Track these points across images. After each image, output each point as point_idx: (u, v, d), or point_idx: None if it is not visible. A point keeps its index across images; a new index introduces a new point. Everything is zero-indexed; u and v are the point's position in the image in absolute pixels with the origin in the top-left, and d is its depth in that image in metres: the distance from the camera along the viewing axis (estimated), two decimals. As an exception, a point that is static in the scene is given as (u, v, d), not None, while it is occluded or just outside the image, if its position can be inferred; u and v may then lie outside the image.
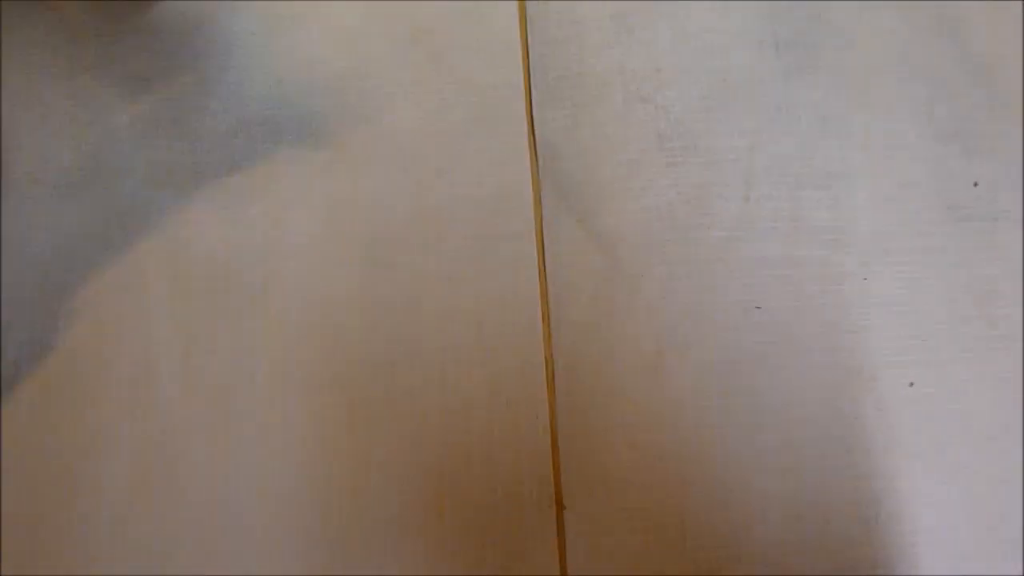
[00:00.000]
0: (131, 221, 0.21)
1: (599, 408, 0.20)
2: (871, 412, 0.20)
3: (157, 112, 0.22)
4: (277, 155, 0.22)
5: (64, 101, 0.22)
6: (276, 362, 0.20)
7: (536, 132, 0.22)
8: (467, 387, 0.20)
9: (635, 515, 0.19)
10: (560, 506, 0.19)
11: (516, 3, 0.23)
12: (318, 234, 0.21)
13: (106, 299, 0.21)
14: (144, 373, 0.20)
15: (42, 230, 0.21)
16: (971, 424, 0.20)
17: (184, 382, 0.20)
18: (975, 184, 0.22)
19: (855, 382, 0.20)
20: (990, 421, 0.20)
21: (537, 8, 0.23)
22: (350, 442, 0.20)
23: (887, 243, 0.21)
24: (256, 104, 0.21)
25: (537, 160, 0.22)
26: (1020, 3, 0.24)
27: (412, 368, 0.20)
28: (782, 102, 0.22)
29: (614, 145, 0.22)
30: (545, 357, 0.20)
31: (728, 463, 0.20)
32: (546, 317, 0.21)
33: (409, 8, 0.22)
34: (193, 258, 0.21)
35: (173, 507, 0.19)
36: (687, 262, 0.21)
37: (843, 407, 0.20)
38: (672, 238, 0.21)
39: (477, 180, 0.22)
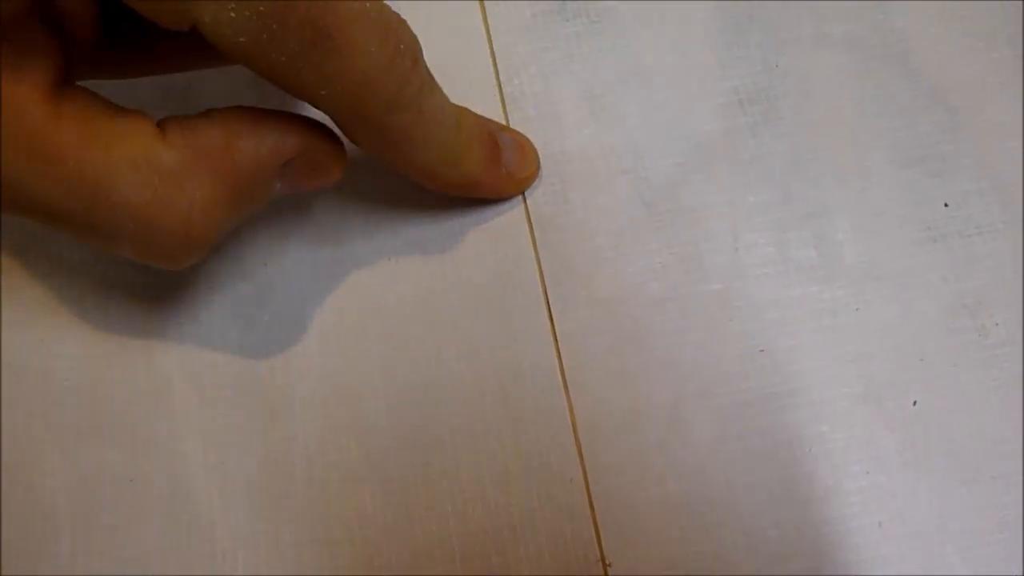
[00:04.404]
0: (152, 332, 0.23)
1: (627, 464, 0.21)
2: (883, 433, 0.21)
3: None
4: (283, 254, 0.23)
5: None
6: (312, 459, 0.21)
7: (529, 208, 0.24)
8: (501, 459, 0.21)
9: (676, 562, 0.20)
10: (605, 564, 0.20)
11: (496, 87, 0.25)
12: (332, 329, 0.23)
13: (136, 417, 0.22)
14: (181, 489, 0.21)
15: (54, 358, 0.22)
16: (980, 432, 0.21)
17: (223, 493, 0.21)
18: (945, 205, 0.24)
19: (862, 408, 0.21)
20: (997, 426, 0.21)
21: (514, 89, 0.25)
22: (394, 528, 0.21)
23: (873, 271, 0.23)
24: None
25: (534, 234, 0.23)
26: (961, 26, 0.26)
27: (444, 448, 0.21)
28: (754, 154, 0.24)
29: (603, 215, 0.23)
30: (571, 422, 0.21)
31: (754, 500, 0.21)
32: (565, 383, 0.22)
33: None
34: (216, 367, 0.22)
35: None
36: (688, 316, 0.22)
37: (855, 433, 0.21)
38: (671, 296, 0.22)
39: (479, 258, 0.23)
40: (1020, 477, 0.21)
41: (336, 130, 0.19)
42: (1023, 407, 0.21)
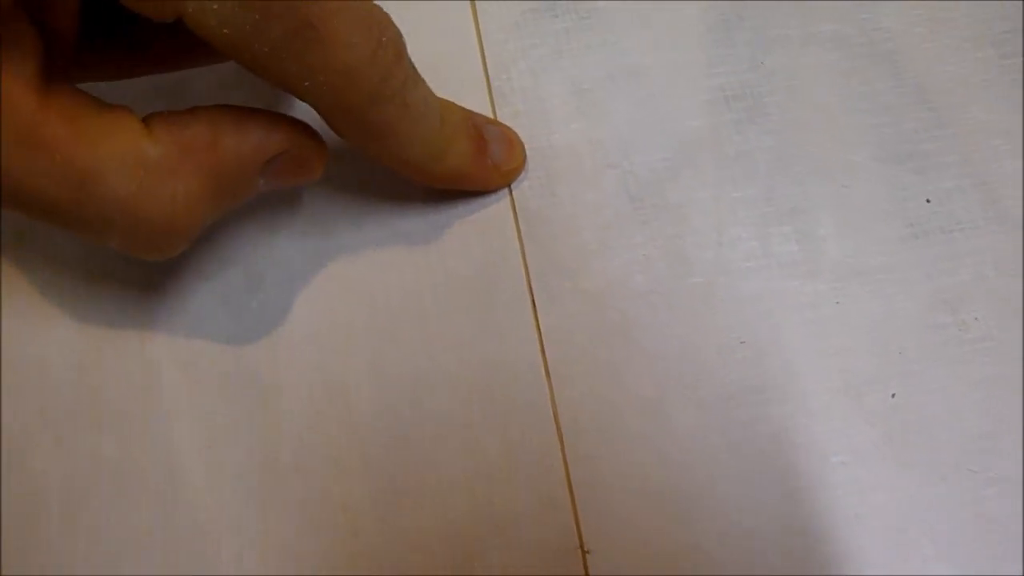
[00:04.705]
0: (143, 321, 0.23)
1: (609, 455, 0.21)
2: (862, 426, 0.22)
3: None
4: (273, 245, 0.24)
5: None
6: (298, 446, 0.22)
7: (516, 201, 0.24)
8: (484, 450, 0.22)
9: (654, 551, 0.20)
10: (584, 551, 0.20)
11: (485, 83, 0.25)
12: (319, 318, 0.23)
13: (127, 403, 0.22)
14: (170, 473, 0.22)
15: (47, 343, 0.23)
16: (958, 425, 0.22)
17: (210, 477, 0.22)
18: (927, 201, 0.24)
19: (841, 401, 0.22)
20: (975, 420, 0.22)
21: (502, 85, 0.25)
22: (377, 515, 0.21)
23: (855, 266, 0.23)
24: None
25: (520, 227, 0.24)
26: (947, 26, 0.26)
27: (429, 438, 0.22)
28: (740, 150, 0.24)
29: (590, 209, 0.23)
30: (553, 413, 0.22)
31: (734, 492, 0.21)
32: (548, 374, 0.22)
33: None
34: (206, 355, 0.23)
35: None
36: (672, 309, 0.22)
37: (834, 426, 0.21)
38: (655, 289, 0.23)
39: (465, 250, 0.23)
40: (998, 471, 0.21)
41: (321, 126, 0.19)
42: (1001, 401, 0.22)
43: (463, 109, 0.22)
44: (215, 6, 0.15)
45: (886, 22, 0.26)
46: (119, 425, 0.22)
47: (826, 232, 0.23)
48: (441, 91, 0.21)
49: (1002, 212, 0.24)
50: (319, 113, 0.18)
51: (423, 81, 0.19)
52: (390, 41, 0.17)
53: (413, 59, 0.19)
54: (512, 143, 0.23)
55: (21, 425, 0.22)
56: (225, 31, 0.15)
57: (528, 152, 0.24)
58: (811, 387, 0.22)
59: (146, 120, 0.17)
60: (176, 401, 0.22)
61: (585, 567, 0.20)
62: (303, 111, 0.18)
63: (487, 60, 0.26)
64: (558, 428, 0.22)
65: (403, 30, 0.19)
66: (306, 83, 0.16)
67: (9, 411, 0.22)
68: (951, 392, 0.22)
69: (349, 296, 0.23)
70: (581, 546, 0.20)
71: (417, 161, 0.20)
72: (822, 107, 0.25)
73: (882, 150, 0.24)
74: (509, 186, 0.24)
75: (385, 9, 0.18)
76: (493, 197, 0.24)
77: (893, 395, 0.22)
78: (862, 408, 0.22)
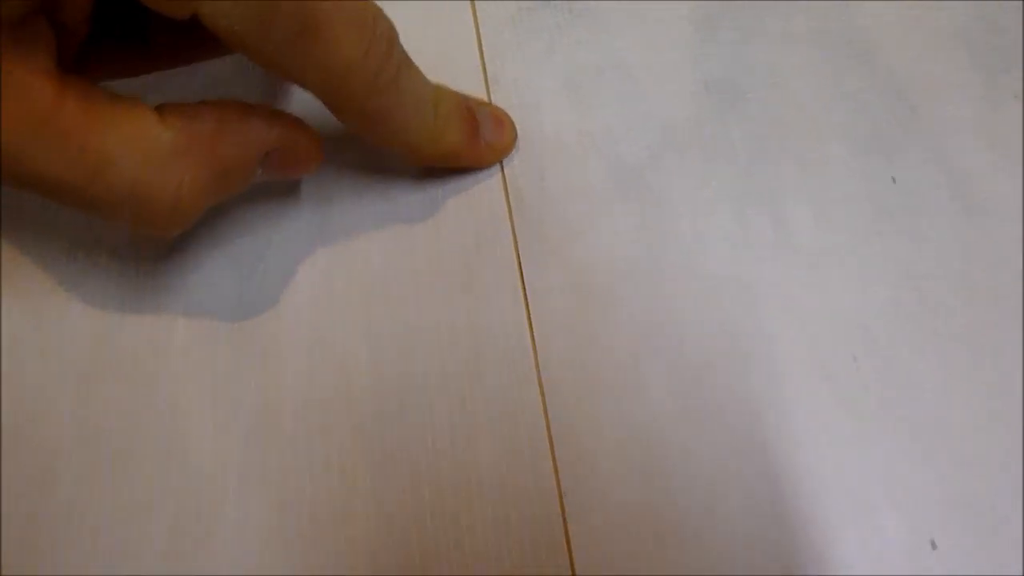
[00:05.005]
0: (156, 281, 0.25)
1: (589, 417, 0.23)
2: (827, 398, 0.23)
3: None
4: (280, 214, 0.25)
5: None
6: (298, 406, 0.23)
7: (507, 180, 0.25)
8: (471, 411, 0.23)
9: (630, 508, 0.22)
10: (561, 494, 0.22)
11: (482, 75, 0.27)
12: (320, 281, 0.25)
13: (141, 356, 0.24)
14: (179, 421, 0.23)
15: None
16: (918, 396, 0.23)
17: (215, 431, 0.23)
18: (895, 184, 0.25)
19: (808, 373, 0.23)
20: (935, 392, 0.23)
21: (498, 75, 0.27)
22: (370, 474, 0.22)
23: (825, 247, 0.24)
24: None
25: (511, 204, 0.25)
26: (922, 26, 0.28)
27: (420, 401, 0.23)
28: (720, 138, 0.26)
29: (576, 191, 0.25)
30: (536, 373, 0.23)
31: (709, 452, 0.22)
32: (533, 338, 0.24)
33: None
34: (215, 313, 0.24)
35: (210, 555, 0.22)
36: (651, 282, 0.24)
37: (801, 397, 0.23)
38: (635, 265, 0.24)
39: (459, 223, 0.25)
40: (955, 441, 0.22)
41: (324, 112, 0.21)
42: (960, 375, 0.23)
43: (456, 93, 0.23)
44: (227, 6, 0.16)
45: (866, 21, 0.28)
46: (131, 374, 0.24)
47: (799, 216, 0.25)
48: (440, 81, 0.23)
49: (967, 201, 0.25)
50: (322, 101, 0.20)
51: (417, 68, 0.21)
52: (383, 34, 0.19)
53: (417, 52, 0.21)
54: (503, 123, 0.25)
55: (35, 382, 0.24)
56: (236, 28, 0.17)
57: (520, 139, 0.26)
58: (779, 359, 0.23)
59: (158, 109, 0.18)
60: (186, 353, 0.24)
61: (562, 507, 0.22)
62: (305, 99, 0.20)
63: (484, 53, 0.27)
64: (541, 389, 0.23)
65: (408, 26, 0.20)
66: (309, 75, 0.18)
67: (24, 368, 0.24)
68: (913, 365, 0.23)
69: (349, 264, 0.25)
70: (558, 488, 0.22)
71: (414, 144, 0.22)
72: (799, 100, 0.27)
73: (855, 141, 0.26)
74: (501, 164, 0.25)
75: (394, 6, 0.20)
76: (485, 174, 0.25)
77: (857, 368, 0.23)
78: (827, 380, 0.23)
